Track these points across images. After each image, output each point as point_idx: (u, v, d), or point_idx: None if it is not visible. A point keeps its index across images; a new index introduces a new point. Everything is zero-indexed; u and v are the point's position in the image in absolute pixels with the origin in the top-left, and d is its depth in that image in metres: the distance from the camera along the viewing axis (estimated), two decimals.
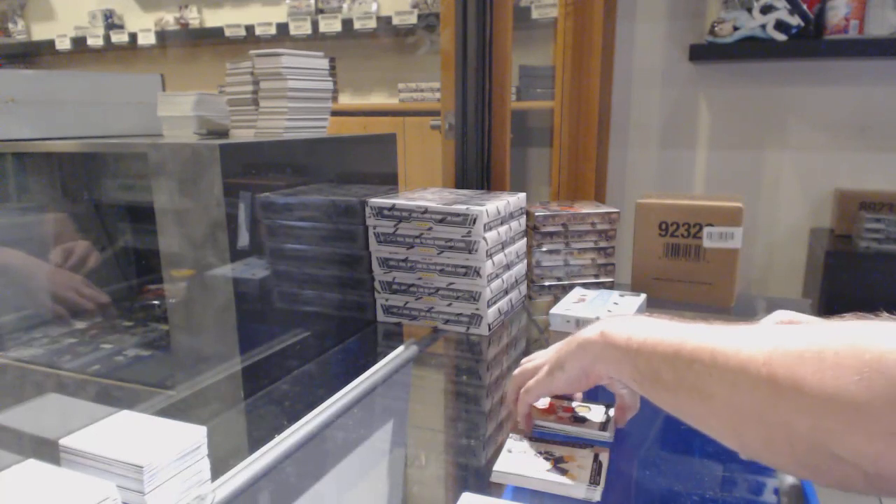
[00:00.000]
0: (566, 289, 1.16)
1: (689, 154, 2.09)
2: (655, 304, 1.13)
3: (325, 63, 1.00)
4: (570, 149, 1.83)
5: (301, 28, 2.93)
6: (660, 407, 0.51)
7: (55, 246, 1.04)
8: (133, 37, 3.35)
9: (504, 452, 0.63)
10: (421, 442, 0.75)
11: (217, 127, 1.06)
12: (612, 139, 2.14)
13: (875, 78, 1.85)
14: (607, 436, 0.67)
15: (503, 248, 1.02)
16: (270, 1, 3.18)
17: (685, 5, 2.00)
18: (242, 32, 3.09)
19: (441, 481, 0.65)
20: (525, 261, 1.14)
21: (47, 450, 0.53)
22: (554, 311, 1.02)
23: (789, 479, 0.60)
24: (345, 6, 2.93)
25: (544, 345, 1.00)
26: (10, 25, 3.81)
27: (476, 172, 1.36)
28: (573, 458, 0.62)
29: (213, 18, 3.33)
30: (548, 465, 0.61)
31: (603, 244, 1.18)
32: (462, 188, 1.35)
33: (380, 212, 0.99)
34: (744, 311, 1.12)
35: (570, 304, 1.04)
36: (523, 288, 1.14)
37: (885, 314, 0.41)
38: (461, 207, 0.94)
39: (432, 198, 1.02)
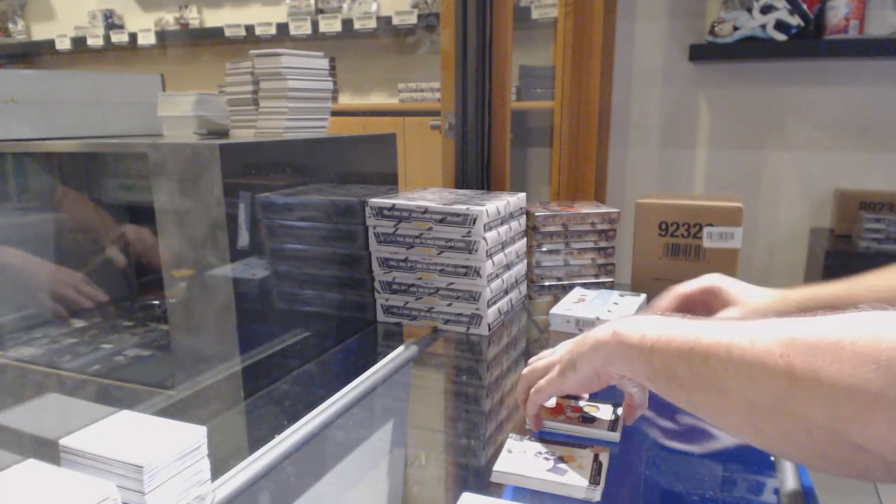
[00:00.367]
0: (566, 289, 1.16)
1: (689, 154, 2.09)
2: None
3: (325, 63, 1.00)
4: (570, 149, 1.83)
5: (301, 28, 2.93)
6: (676, 405, 0.51)
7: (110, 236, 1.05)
8: (133, 37, 3.35)
9: (504, 452, 0.63)
10: (421, 442, 0.75)
11: (217, 127, 1.06)
12: (612, 139, 2.14)
13: (875, 78, 1.85)
14: (616, 436, 0.67)
15: (503, 248, 1.02)
16: (270, 1, 3.18)
17: (685, 5, 2.00)
18: (242, 32, 3.09)
19: (441, 481, 0.65)
20: (525, 261, 1.14)
21: (47, 450, 0.53)
22: (554, 311, 1.02)
23: (789, 479, 0.60)
24: (345, 6, 2.92)
25: (544, 345, 1.01)
26: (10, 25, 3.81)
27: (476, 172, 1.36)
28: (573, 458, 0.62)
29: (213, 18, 3.33)
30: (548, 465, 0.61)
31: (603, 244, 1.18)
32: (462, 188, 1.35)
33: (380, 212, 0.99)
34: None
35: (570, 304, 1.04)
36: (523, 288, 1.14)
37: None
38: (461, 207, 0.94)
39: (432, 198, 1.02)
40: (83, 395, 0.85)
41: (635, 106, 2.12)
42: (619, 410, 0.71)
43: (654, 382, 0.52)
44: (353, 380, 0.81)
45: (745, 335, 0.44)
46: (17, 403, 0.84)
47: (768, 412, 0.42)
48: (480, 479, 0.63)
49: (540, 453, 0.63)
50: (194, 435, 0.53)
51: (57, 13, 3.79)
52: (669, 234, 1.13)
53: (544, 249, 1.17)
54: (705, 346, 0.47)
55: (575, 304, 1.04)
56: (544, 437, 0.66)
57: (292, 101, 0.95)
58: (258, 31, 3.03)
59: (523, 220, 1.11)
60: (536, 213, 1.15)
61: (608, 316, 0.98)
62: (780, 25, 1.79)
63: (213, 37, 3.23)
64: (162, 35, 3.33)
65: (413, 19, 2.72)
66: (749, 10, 1.81)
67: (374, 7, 2.86)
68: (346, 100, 3.09)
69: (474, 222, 0.93)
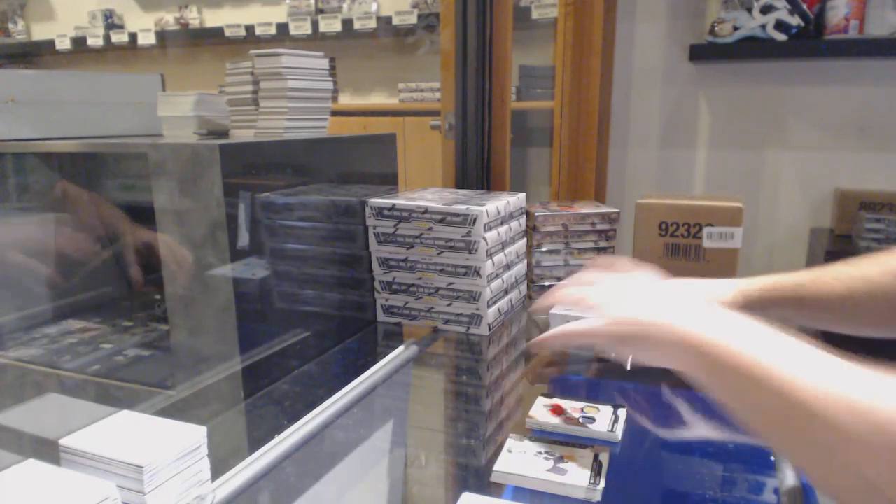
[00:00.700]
0: None
1: (689, 154, 2.09)
2: None
3: (325, 63, 1.00)
4: (570, 149, 1.83)
5: (301, 28, 2.93)
6: (725, 409, 0.50)
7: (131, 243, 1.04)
8: (133, 37, 3.35)
9: (504, 452, 0.63)
10: (421, 442, 0.75)
11: (217, 127, 1.06)
12: (612, 139, 2.14)
13: (875, 78, 1.85)
14: (616, 436, 0.67)
15: (503, 248, 1.02)
16: (270, 1, 3.18)
17: (685, 5, 2.00)
18: (242, 32, 3.09)
19: (441, 481, 0.65)
20: (525, 261, 1.14)
21: (47, 450, 0.53)
22: (554, 311, 1.02)
23: (789, 479, 0.60)
24: (345, 6, 2.93)
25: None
26: (10, 25, 3.81)
27: (476, 172, 1.36)
28: (573, 457, 0.62)
29: (213, 18, 3.33)
30: (548, 465, 0.61)
31: (603, 244, 1.18)
32: (462, 188, 1.35)
33: (380, 212, 0.99)
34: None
35: None
36: (523, 288, 1.14)
37: None
38: (461, 207, 0.94)
39: (432, 198, 1.02)
40: (83, 395, 0.85)
41: (635, 106, 2.12)
42: (620, 412, 0.71)
43: (710, 389, 0.50)
44: (353, 380, 0.81)
45: (814, 376, 0.42)
46: (17, 403, 0.84)
47: (829, 463, 0.41)
48: (480, 479, 0.63)
49: (540, 453, 0.63)
50: (194, 435, 0.53)
51: (57, 13, 3.79)
52: (669, 234, 1.13)
53: (544, 249, 1.17)
54: (767, 374, 0.45)
55: None
56: (544, 437, 0.66)
57: (292, 101, 0.95)
58: (258, 31, 3.04)
59: (523, 220, 1.11)
60: (536, 213, 1.15)
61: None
62: (780, 25, 1.79)
63: (213, 37, 3.23)
64: (162, 35, 3.34)
65: (413, 19, 2.72)
66: (749, 10, 1.81)
67: (374, 7, 2.86)
68: (346, 100, 3.09)
69: (474, 222, 0.93)
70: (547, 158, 2.19)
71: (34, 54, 3.80)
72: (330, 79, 1.01)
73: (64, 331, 1.01)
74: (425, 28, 2.73)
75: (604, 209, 1.18)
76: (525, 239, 1.13)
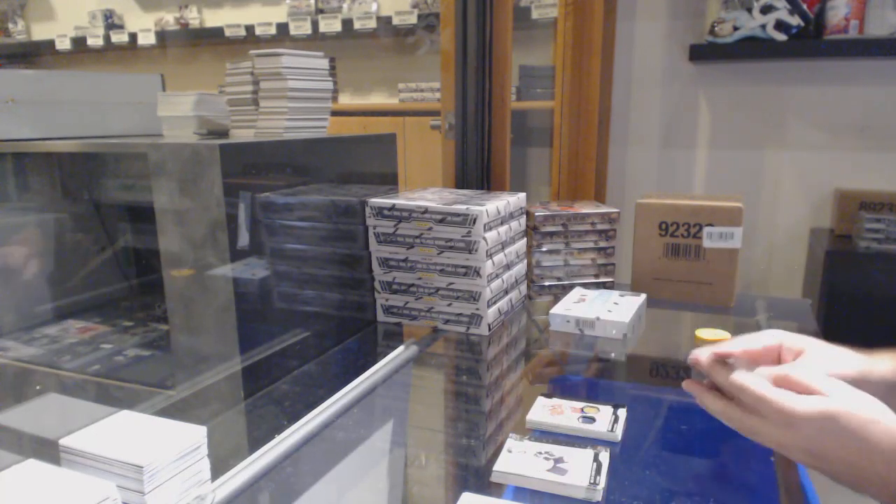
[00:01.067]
0: (566, 289, 1.16)
1: (689, 154, 2.09)
2: (655, 305, 1.13)
3: (325, 63, 1.00)
4: (570, 149, 1.83)
5: (301, 28, 2.93)
6: None
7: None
8: (133, 37, 3.35)
9: (504, 452, 0.63)
10: (421, 442, 0.75)
11: (217, 127, 1.06)
12: (612, 139, 2.14)
13: (875, 78, 1.85)
14: (616, 436, 0.67)
15: (503, 248, 1.02)
16: (270, 1, 3.18)
17: (685, 5, 2.00)
18: (242, 32, 3.08)
19: (441, 481, 0.65)
20: (525, 261, 1.14)
21: (47, 450, 0.53)
22: (554, 311, 1.02)
23: (789, 479, 0.60)
24: (345, 6, 2.92)
25: (544, 345, 1.01)
26: (10, 25, 3.81)
27: (476, 172, 1.36)
28: (573, 458, 0.62)
29: (213, 18, 3.33)
30: (548, 465, 0.61)
31: (603, 244, 1.18)
32: (462, 188, 1.35)
33: (380, 212, 0.99)
34: (744, 311, 1.12)
35: (570, 304, 1.04)
36: (523, 288, 1.14)
37: None
38: (461, 207, 0.94)
39: (432, 198, 1.02)
40: (83, 395, 0.85)
41: (635, 106, 2.12)
42: (620, 412, 0.71)
43: None
44: (353, 380, 0.81)
45: None
46: (17, 403, 0.84)
47: None
48: (480, 479, 0.63)
49: (540, 453, 0.63)
50: (194, 435, 0.53)
51: (57, 13, 3.79)
52: (669, 234, 1.13)
53: (544, 249, 1.17)
54: None
55: (575, 304, 1.04)
56: (544, 437, 0.66)
57: (292, 101, 0.95)
58: (258, 31, 3.03)
59: (523, 220, 1.11)
60: (536, 213, 1.15)
61: (608, 316, 0.98)
62: (780, 25, 1.79)
63: (213, 37, 3.23)
64: (162, 35, 3.33)
65: (413, 19, 2.72)
66: (749, 10, 1.81)
67: (374, 7, 2.86)
68: (346, 100, 3.09)
69: (474, 222, 0.93)
70: (547, 158, 2.19)
71: (34, 54, 3.80)
72: (330, 79, 1.01)
73: (64, 330, 1.01)
74: (425, 28, 2.73)
75: (604, 209, 1.18)
76: (525, 239, 1.13)
